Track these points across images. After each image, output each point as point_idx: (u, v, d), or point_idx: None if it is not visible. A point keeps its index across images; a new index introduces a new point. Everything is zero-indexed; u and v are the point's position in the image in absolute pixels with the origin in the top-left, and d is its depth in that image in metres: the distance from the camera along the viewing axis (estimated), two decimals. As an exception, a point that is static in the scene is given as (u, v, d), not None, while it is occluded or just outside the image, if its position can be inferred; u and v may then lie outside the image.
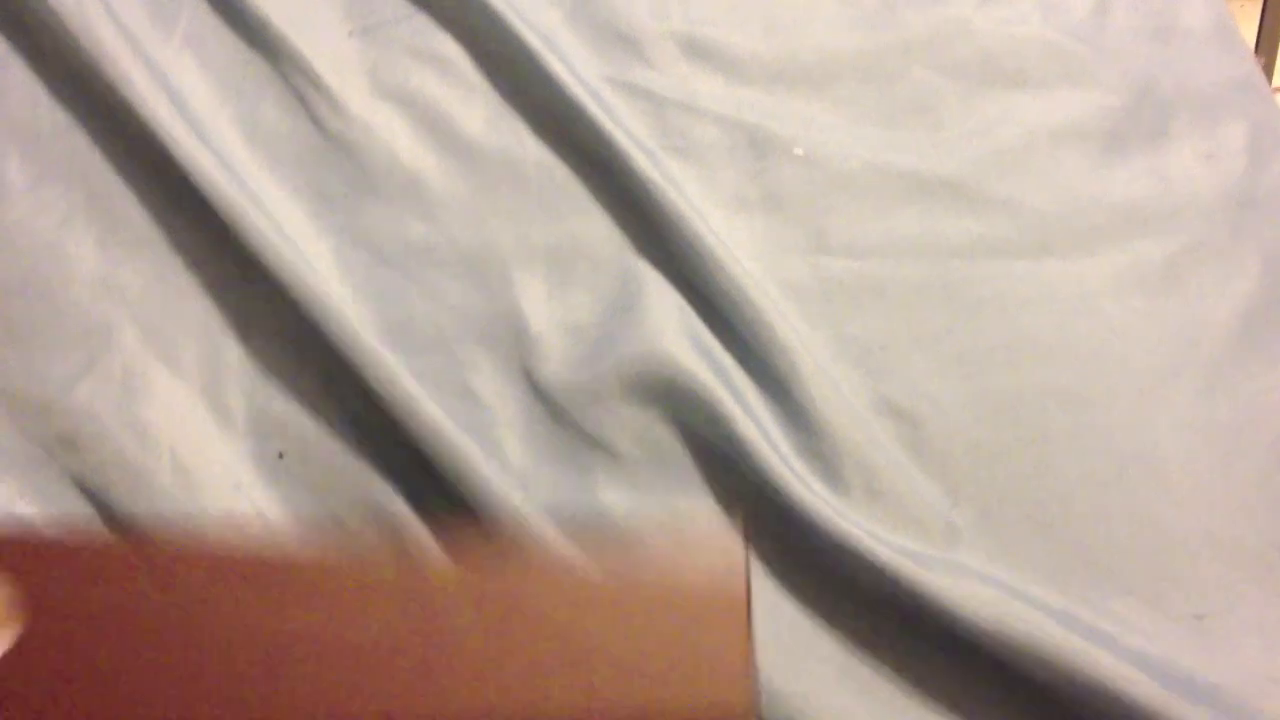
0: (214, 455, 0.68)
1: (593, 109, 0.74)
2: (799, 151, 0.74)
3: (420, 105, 0.78)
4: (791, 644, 0.62)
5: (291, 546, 0.59)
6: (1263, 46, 1.46)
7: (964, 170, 0.73)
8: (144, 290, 0.73)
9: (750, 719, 0.54)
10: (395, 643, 0.56)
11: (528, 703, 0.54)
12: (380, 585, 0.57)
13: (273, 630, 0.56)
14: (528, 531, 0.62)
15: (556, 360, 0.70)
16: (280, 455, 0.68)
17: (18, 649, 0.54)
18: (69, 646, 0.55)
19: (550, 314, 0.71)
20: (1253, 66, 0.78)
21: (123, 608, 0.56)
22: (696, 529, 0.60)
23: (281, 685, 0.55)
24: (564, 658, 0.55)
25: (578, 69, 0.77)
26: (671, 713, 0.54)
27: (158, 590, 0.57)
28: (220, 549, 0.58)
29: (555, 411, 0.68)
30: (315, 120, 0.77)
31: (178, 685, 0.55)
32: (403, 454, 0.67)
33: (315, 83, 0.78)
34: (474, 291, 0.72)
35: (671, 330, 0.68)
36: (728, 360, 0.68)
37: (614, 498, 0.65)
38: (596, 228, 0.73)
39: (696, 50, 0.79)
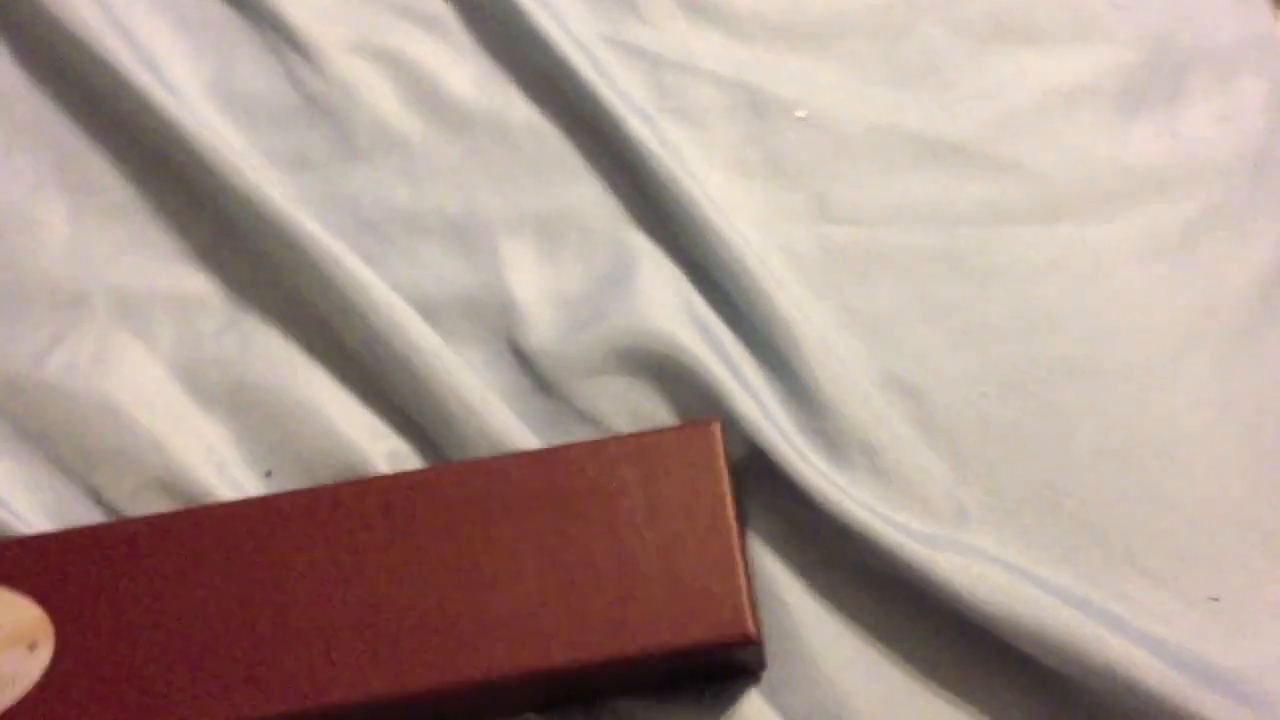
0: (194, 435, 0.66)
1: (586, 70, 0.71)
2: (801, 114, 0.71)
3: (405, 65, 0.75)
4: (795, 626, 0.60)
5: (293, 521, 0.58)
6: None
7: (974, 133, 0.70)
8: (117, 259, 0.71)
9: (752, 638, 0.54)
10: (397, 607, 0.56)
11: (526, 652, 0.54)
12: (371, 549, 0.57)
13: (284, 604, 0.56)
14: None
15: (545, 332, 0.67)
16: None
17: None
18: (88, 644, 0.56)
19: (539, 284, 0.69)
20: (1272, 23, 0.74)
21: (130, 595, 0.57)
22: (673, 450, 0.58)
23: (296, 659, 0.55)
24: (556, 605, 0.55)
25: (571, 27, 0.74)
26: (673, 644, 0.54)
27: (163, 574, 0.57)
28: (215, 527, 0.58)
29: (543, 384, 0.66)
30: (294, 80, 0.75)
31: (192, 665, 0.55)
32: (397, 420, 0.66)
33: (294, 41, 0.75)
34: (460, 260, 0.70)
35: (666, 302, 0.66)
36: (725, 334, 0.66)
37: None
38: (589, 194, 0.71)
39: (695, 6, 0.75)
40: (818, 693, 0.59)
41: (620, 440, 0.58)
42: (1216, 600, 0.58)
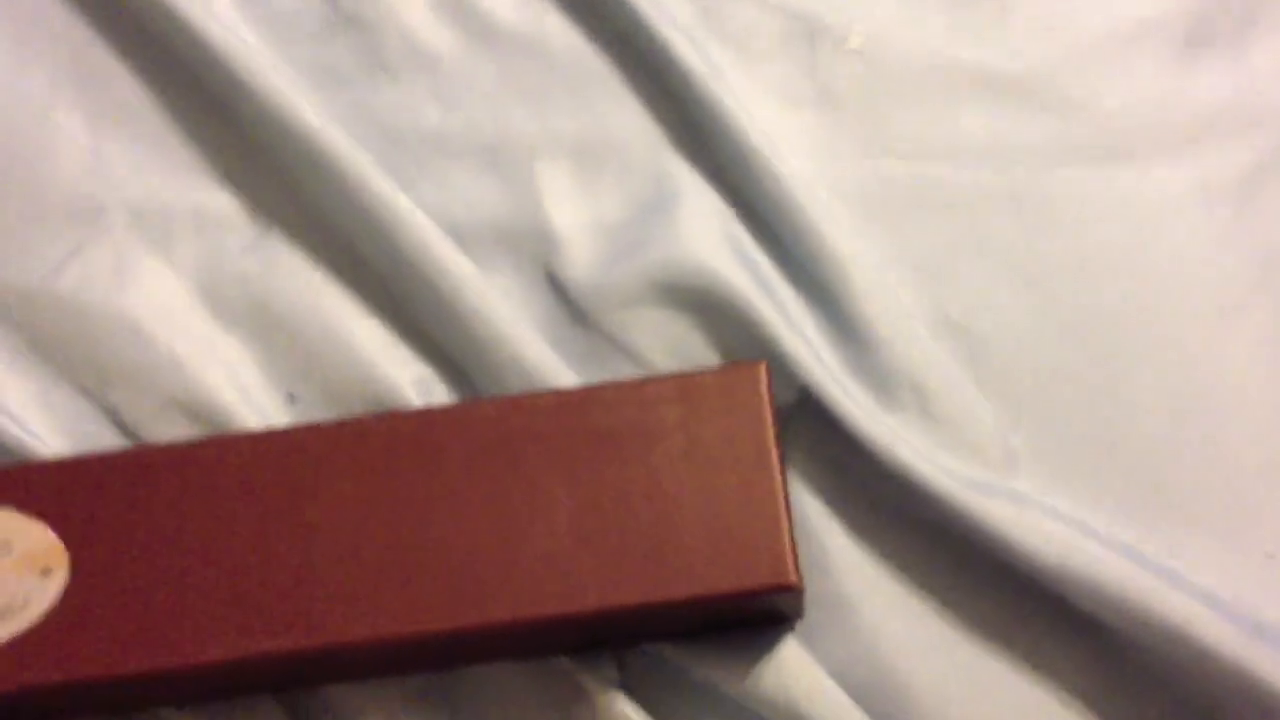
0: (215, 355, 0.63)
1: None
2: (856, 43, 0.68)
3: (439, -21, 0.72)
4: (834, 571, 0.58)
5: (318, 453, 0.56)
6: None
7: (1035, 67, 0.67)
8: (137, 172, 0.68)
9: (794, 585, 0.52)
10: (425, 546, 0.54)
11: (558, 595, 0.52)
12: (399, 485, 0.55)
13: (306, 538, 0.54)
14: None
15: (582, 261, 0.65)
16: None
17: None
18: (103, 572, 0.54)
19: (576, 211, 0.66)
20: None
21: (147, 523, 0.55)
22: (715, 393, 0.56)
23: (317, 595, 0.53)
24: (591, 547, 0.53)
25: None
26: (712, 590, 0.52)
27: (183, 503, 0.55)
28: (238, 457, 0.56)
29: (579, 315, 0.64)
30: (323, -10, 0.72)
31: (209, 597, 0.53)
32: (425, 347, 0.64)
33: (325, -49, 0.72)
34: (493, 184, 0.67)
35: (709, 234, 0.64)
36: (770, 268, 0.64)
37: None
38: (629, 119, 0.68)
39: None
40: (856, 640, 0.57)
41: (661, 380, 0.56)
42: (1272, 556, 0.57)
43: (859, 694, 0.56)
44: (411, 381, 0.63)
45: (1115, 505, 0.58)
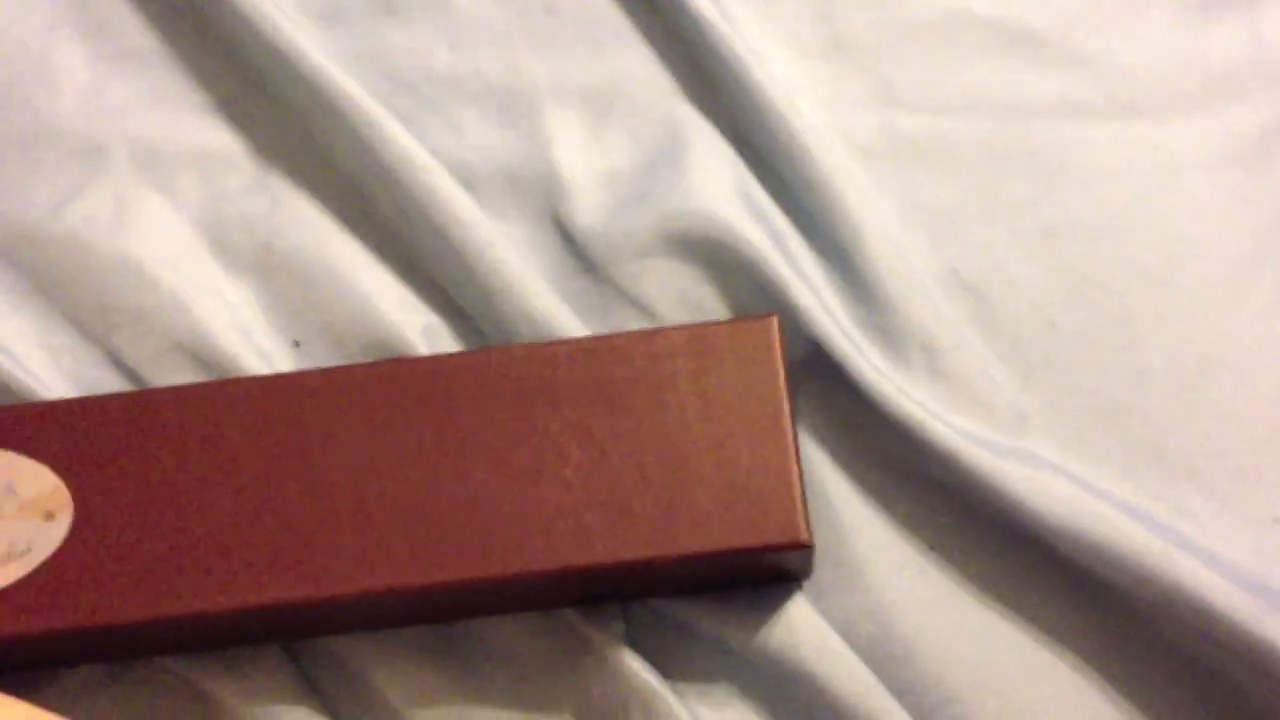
0: (219, 298, 0.63)
1: None
2: (871, -9, 0.67)
3: (447, -83, 0.70)
4: (841, 527, 0.58)
5: (324, 399, 0.55)
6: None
7: (1051, 22, 0.66)
8: (138, 109, 0.67)
9: (805, 542, 0.52)
10: (431, 495, 0.53)
11: (566, 548, 0.52)
12: (405, 433, 0.54)
13: (312, 486, 0.54)
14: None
15: (591, 209, 0.64)
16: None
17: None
18: (107, 517, 0.53)
19: (586, 159, 0.65)
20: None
21: (152, 468, 0.54)
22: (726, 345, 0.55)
23: (323, 543, 0.53)
24: (600, 500, 0.53)
25: None
26: (721, 546, 0.52)
27: (187, 448, 0.54)
28: (244, 401, 0.55)
29: (588, 264, 0.63)
30: (331, -70, 0.70)
31: (214, 544, 0.53)
32: (432, 294, 0.63)
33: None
34: (502, 129, 0.66)
35: (721, 185, 0.63)
36: (781, 220, 0.63)
37: None
38: (641, 66, 0.67)
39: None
40: (862, 597, 0.57)
41: (672, 331, 0.55)
42: (1280, 522, 0.57)
43: (864, 651, 0.56)
44: (419, 329, 0.62)
45: (1124, 467, 0.58)
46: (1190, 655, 0.55)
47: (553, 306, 0.60)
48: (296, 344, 0.62)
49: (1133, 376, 0.59)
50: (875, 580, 0.57)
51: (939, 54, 0.66)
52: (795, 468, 0.53)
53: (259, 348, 0.62)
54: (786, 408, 0.54)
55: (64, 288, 0.62)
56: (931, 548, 0.58)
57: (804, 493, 0.53)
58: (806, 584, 0.57)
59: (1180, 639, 0.54)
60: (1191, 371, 0.59)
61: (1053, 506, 0.55)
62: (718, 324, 0.56)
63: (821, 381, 0.59)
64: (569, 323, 0.60)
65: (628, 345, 0.55)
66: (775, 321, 0.55)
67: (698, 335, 0.55)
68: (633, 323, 0.62)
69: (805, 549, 0.53)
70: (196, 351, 0.61)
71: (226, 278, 0.63)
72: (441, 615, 0.57)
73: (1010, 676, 0.56)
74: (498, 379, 0.54)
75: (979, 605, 0.57)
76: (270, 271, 0.63)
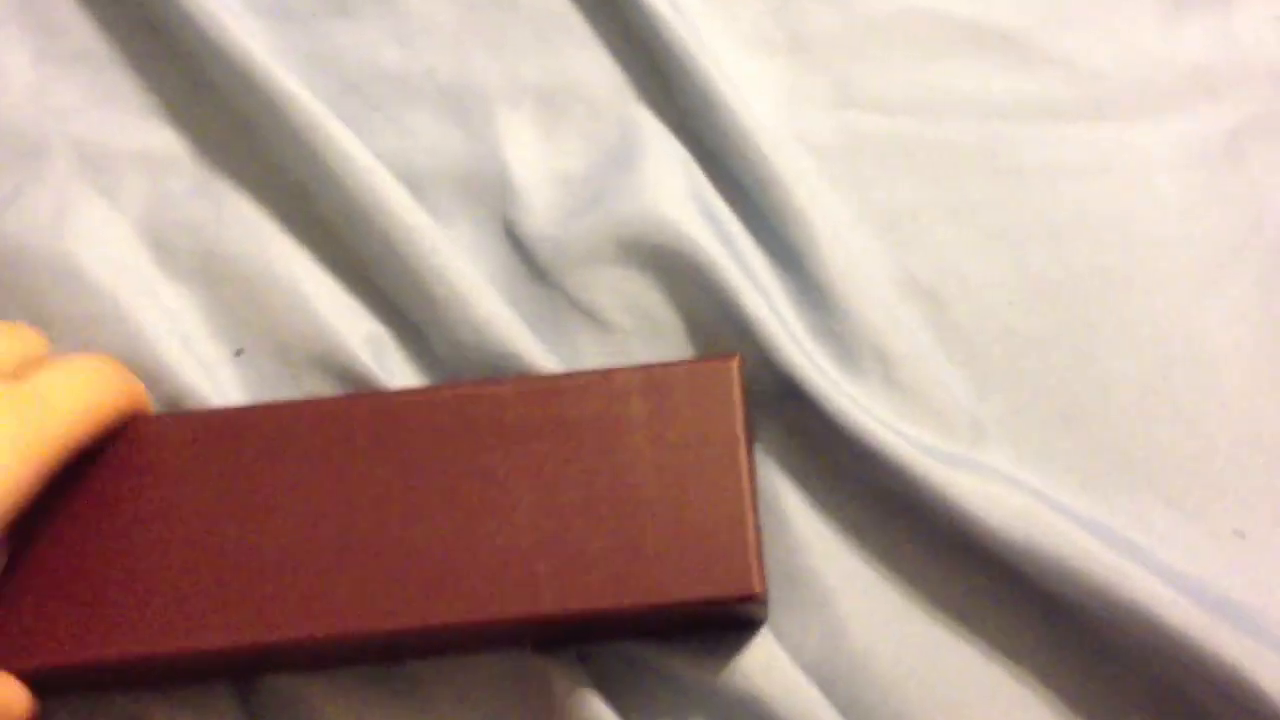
0: (159, 304, 0.61)
1: None
2: (829, -13, 0.65)
3: (399, -88, 0.69)
4: (792, 540, 0.57)
5: (268, 436, 0.54)
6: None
7: (1017, 19, 0.64)
8: (81, 109, 0.65)
9: (757, 597, 0.50)
10: (377, 538, 0.52)
11: (515, 596, 0.50)
12: (352, 474, 0.52)
13: (253, 528, 0.52)
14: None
15: (542, 213, 0.62)
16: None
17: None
18: (41, 554, 0.52)
19: (538, 161, 0.64)
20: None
21: (86, 501, 0.53)
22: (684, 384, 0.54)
23: (263, 588, 0.51)
24: (551, 546, 0.51)
25: None
26: (673, 598, 0.51)
27: (122, 483, 0.53)
28: (183, 434, 0.54)
29: (538, 270, 0.62)
30: (278, -75, 0.68)
31: (148, 588, 0.51)
32: (377, 301, 0.61)
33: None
34: (452, 130, 0.64)
35: (673, 188, 0.61)
36: (735, 225, 0.61)
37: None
38: (594, 66, 0.65)
39: None
40: (816, 615, 0.56)
41: (628, 372, 0.54)
42: (1243, 535, 0.55)
43: (819, 670, 0.55)
44: (364, 338, 0.60)
45: (1084, 477, 0.56)
46: (1147, 672, 0.53)
47: (500, 313, 0.59)
48: (239, 352, 0.61)
49: (1093, 386, 0.58)
50: (828, 596, 0.56)
51: (901, 52, 0.64)
52: (751, 516, 0.51)
53: (199, 355, 0.60)
54: (744, 453, 0.52)
55: (8, 297, 0.61)
56: (882, 560, 0.56)
57: (760, 542, 0.52)
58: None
59: (1136, 655, 0.53)
60: (1153, 378, 0.58)
61: (1005, 519, 0.53)
62: (676, 364, 0.54)
63: (773, 392, 0.58)
64: (518, 333, 0.59)
65: (582, 385, 0.53)
66: (736, 364, 0.54)
67: (655, 376, 0.53)
68: (583, 331, 0.60)
69: (758, 600, 0.51)
70: (133, 361, 0.59)
71: (167, 283, 0.62)
72: (391, 657, 0.56)
73: (967, 692, 0.55)
74: (446, 418, 0.53)
75: (928, 617, 0.56)
76: (212, 277, 0.62)
